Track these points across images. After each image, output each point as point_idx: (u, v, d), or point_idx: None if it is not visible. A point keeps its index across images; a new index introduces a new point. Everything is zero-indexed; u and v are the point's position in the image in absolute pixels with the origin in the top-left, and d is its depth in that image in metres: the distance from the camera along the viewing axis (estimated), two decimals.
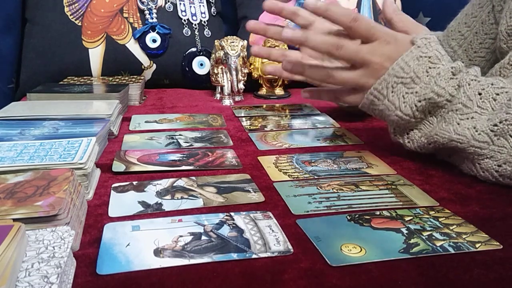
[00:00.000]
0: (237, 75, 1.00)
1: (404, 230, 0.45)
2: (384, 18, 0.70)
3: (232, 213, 0.49)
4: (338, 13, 0.62)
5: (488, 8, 0.82)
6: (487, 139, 0.55)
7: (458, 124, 0.57)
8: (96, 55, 1.15)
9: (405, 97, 0.60)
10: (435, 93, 0.58)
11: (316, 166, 0.63)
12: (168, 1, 1.20)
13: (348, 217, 0.48)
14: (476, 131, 0.55)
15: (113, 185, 0.56)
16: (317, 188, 0.56)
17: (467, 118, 0.56)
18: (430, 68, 0.59)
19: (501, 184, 0.56)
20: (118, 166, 0.61)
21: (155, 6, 1.18)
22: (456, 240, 0.44)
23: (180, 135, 0.77)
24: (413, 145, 0.63)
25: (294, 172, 0.61)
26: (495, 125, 0.54)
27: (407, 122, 0.62)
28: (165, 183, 0.57)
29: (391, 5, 0.70)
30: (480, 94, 0.57)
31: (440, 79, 0.58)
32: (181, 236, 0.44)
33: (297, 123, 0.85)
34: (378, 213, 0.49)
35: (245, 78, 1.05)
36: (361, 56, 0.62)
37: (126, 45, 1.16)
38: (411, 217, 0.48)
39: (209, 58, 1.17)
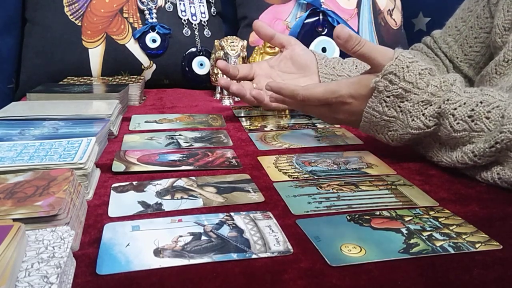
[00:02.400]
0: None
1: (404, 230, 0.45)
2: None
3: (232, 213, 0.49)
4: (288, 94, 0.66)
5: (484, 2, 0.82)
6: (489, 159, 0.55)
7: (461, 150, 0.57)
8: (96, 55, 1.15)
9: (389, 134, 0.62)
10: (414, 130, 0.58)
11: (316, 166, 0.63)
12: (168, 1, 1.20)
13: (348, 217, 0.48)
14: (475, 156, 0.55)
15: (113, 185, 0.56)
16: (317, 188, 0.56)
17: (469, 143, 0.56)
18: (400, 103, 0.58)
19: (500, 187, 0.56)
20: (118, 166, 0.61)
21: (155, 6, 1.18)
22: (456, 240, 0.44)
23: (180, 135, 0.77)
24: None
25: (294, 172, 0.61)
26: (492, 146, 0.53)
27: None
28: (165, 183, 0.57)
29: (345, 44, 0.61)
30: (470, 117, 0.55)
31: (412, 118, 0.58)
32: (181, 236, 0.44)
33: (297, 123, 0.85)
34: (378, 213, 0.49)
35: None
36: (327, 115, 0.66)
37: (126, 45, 1.16)
38: (411, 217, 0.48)
39: (209, 58, 1.17)
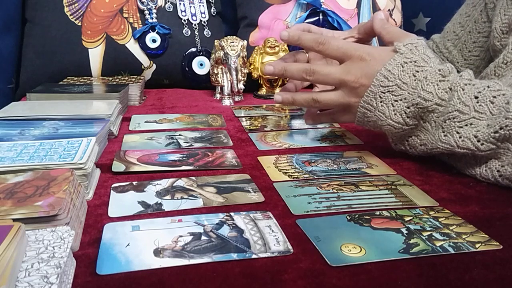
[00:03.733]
0: (237, 75, 1.00)
1: (404, 230, 0.45)
2: (375, 32, 0.69)
3: (232, 213, 0.49)
4: (308, 39, 0.65)
5: (481, 6, 0.82)
6: (492, 146, 0.54)
7: (458, 133, 0.56)
8: (96, 55, 1.15)
9: (394, 104, 0.60)
10: (422, 97, 0.58)
11: (316, 166, 0.63)
12: (168, 1, 1.20)
13: (348, 217, 0.48)
14: (478, 141, 0.54)
15: (113, 185, 0.56)
16: (317, 188, 0.56)
17: (466, 125, 0.55)
18: (417, 72, 0.59)
19: (500, 185, 0.56)
20: (118, 166, 0.61)
21: (155, 6, 1.18)
22: (456, 240, 0.44)
23: (180, 135, 0.77)
24: (416, 151, 0.63)
25: (294, 172, 0.61)
26: (496, 131, 0.53)
27: (401, 130, 0.61)
28: (165, 183, 0.57)
29: (380, 21, 0.69)
30: (476, 97, 0.56)
31: (427, 83, 0.58)
32: (181, 236, 0.44)
33: (297, 123, 0.85)
34: (378, 213, 0.49)
35: (245, 78, 1.05)
36: (334, 77, 0.64)
37: (126, 45, 1.16)
38: (411, 217, 0.48)
39: (209, 58, 1.17)
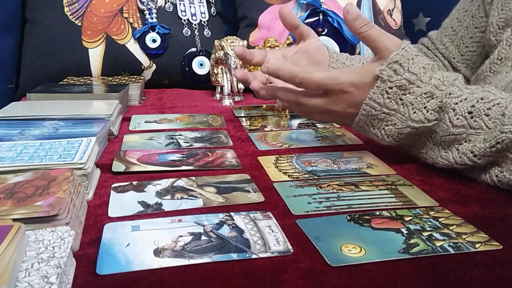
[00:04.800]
0: None
1: (404, 230, 0.45)
2: (352, 30, 0.62)
3: (232, 213, 0.49)
4: (286, 76, 0.62)
5: (478, 1, 0.82)
6: (489, 159, 0.54)
7: (457, 150, 0.56)
8: (96, 55, 1.15)
9: (386, 129, 0.60)
10: (412, 124, 0.57)
11: (316, 166, 0.63)
12: (168, 1, 1.20)
13: (348, 217, 0.48)
14: (475, 156, 0.54)
15: (113, 185, 0.56)
16: (317, 188, 0.56)
17: (465, 141, 0.55)
18: (403, 95, 0.57)
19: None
20: (118, 166, 0.61)
21: (155, 6, 1.18)
22: (456, 240, 0.44)
23: (180, 135, 0.77)
24: (417, 156, 0.63)
25: (294, 172, 0.61)
26: (492, 146, 0.53)
27: (398, 146, 0.62)
28: (165, 183, 0.57)
29: (356, 20, 0.60)
30: (470, 113, 0.54)
31: (414, 110, 0.57)
32: (181, 236, 0.44)
33: (297, 123, 0.85)
34: (378, 213, 0.49)
35: None
36: (322, 108, 0.63)
37: (126, 45, 1.16)
38: (411, 217, 0.48)
39: (209, 58, 1.17)
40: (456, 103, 0.55)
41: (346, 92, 0.60)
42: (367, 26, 0.59)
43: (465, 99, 0.55)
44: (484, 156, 0.54)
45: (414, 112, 0.57)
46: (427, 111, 0.56)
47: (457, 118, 0.55)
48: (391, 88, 0.57)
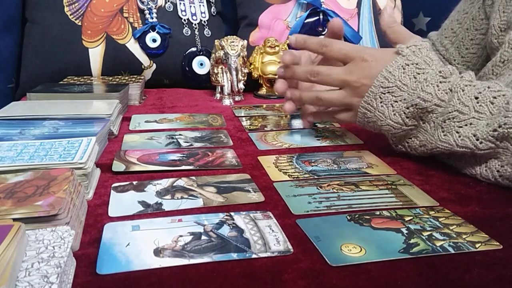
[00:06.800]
0: (237, 75, 1.00)
1: (404, 230, 0.45)
2: (382, 29, 0.70)
3: (232, 213, 0.49)
4: (312, 42, 0.68)
5: (479, 3, 0.82)
6: (491, 145, 0.54)
7: (458, 133, 0.56)
8: (96, 55, 1.15)
9: (394, 105, 0.61)
10: (421, 98, 0.58)
11: (316, 166, 0.63)
12: (168, 1, 1.20)
13: (348, 217, 0.48)
14: (477, 139, 0.54)
15: (113, 185, 0.56)
16: (317, 188, 0.56)
17: (466, 125, 0.56)
18: (418, 73, 0.60)
19: (500, 185, 0.56)
20: (118, 166, 0.61)
21: (155, 6, 1.18)
22: (456, 240, 0.44)
23: (180, 135, 0.77)
24: (416, 152, 0.63)
25: (294, 172, 0.61)
26: (495, 130, 0.53)
27: (400, 131, 0.62)
28: (165, 183, 0.57)
29: (388, 18, 0.70)
30: (476, 98, 0.56)
31: (427, 84, 0.58)
32: (181, 236, 0.44)
33: (297, 123, 0.85)
34: (378, 213, 0.49)
35: (245, 78, 1.05)
36: (336, 78, 0.65)
37: (126, 45, 1.16)
38: (411, 217, 0.48)
39: (209, 58, 1.17)
40: (466, 85, 0.57)
41: (365, 60, 0.63)
42: (395, 22, 0.68)
43: (474, 85, 0.57)
44: (486, 140, 0.54)
45: (427, 86, 0.59)
46: (439, 90, 0.58)
47: (465, 98, 0.56)
48: (407, 65, 0.60)
